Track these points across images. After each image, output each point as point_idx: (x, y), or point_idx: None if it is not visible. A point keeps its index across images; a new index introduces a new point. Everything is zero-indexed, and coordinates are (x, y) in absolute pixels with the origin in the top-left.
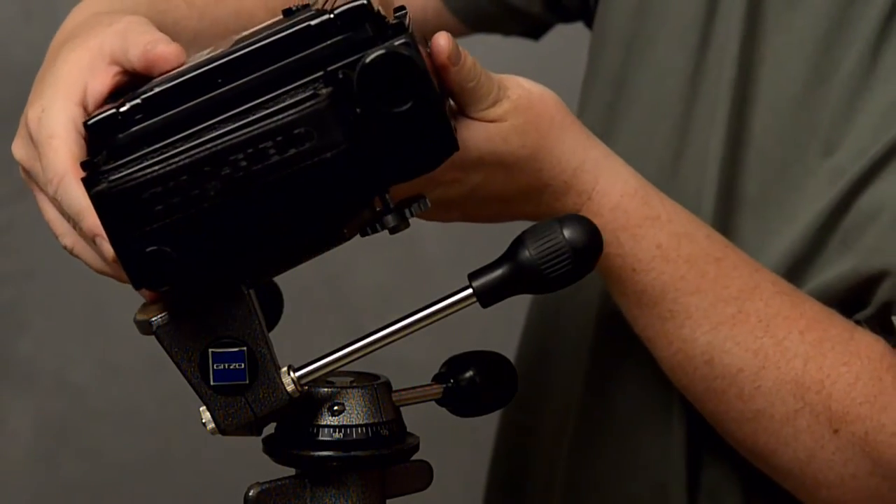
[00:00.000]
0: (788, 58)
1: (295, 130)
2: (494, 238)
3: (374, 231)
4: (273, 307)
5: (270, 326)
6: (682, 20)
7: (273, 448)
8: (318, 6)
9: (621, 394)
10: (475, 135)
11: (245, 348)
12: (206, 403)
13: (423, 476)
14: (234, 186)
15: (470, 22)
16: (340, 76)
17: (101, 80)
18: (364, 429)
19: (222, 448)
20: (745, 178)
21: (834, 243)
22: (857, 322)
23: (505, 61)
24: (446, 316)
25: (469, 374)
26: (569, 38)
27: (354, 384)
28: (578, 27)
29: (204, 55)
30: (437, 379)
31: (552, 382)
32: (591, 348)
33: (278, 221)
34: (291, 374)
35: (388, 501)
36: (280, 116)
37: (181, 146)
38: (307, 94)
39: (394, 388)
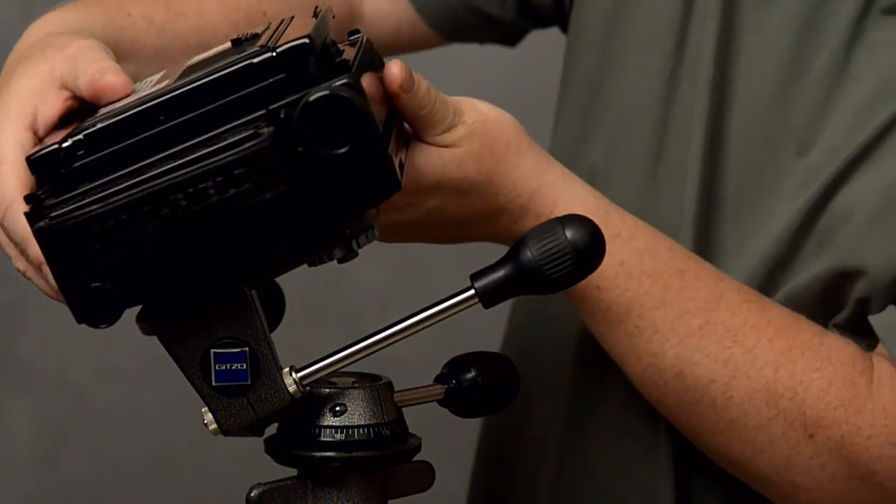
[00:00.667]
0: (762, 57)
1: (235, 171)
2: None
3: (322, 262)
4: (275, 308)
5: (272, 327)
6: (657, 23)
7: (275, 449)
8: (266, 37)
9: (606, 402)
10: (430, 160)
11: (247, 349)
12: (207, 404)
13: (424, 477)
14: (174, 226)
15: (446, 32)
16: (282, 115)
17: (52, 105)
18: (366, 429)
19: (223, 448)
20: (723, 180)
21: (810, 245)
22: (832, 326)
23: (489, 70)
24: (448, 317)
25: (471, 374)
26: (555, 45)
27: (356, 385)
28: (556, 33)
29: (152, 83)
30: (439, 380)
31: (534, 392)
32: (574, 358)
33: (221, 259)
34: (293, 374)
35: (390, 502)
36: (220, 156)
37: (122, 184)
38: (248, 133)
39: (396, 389)
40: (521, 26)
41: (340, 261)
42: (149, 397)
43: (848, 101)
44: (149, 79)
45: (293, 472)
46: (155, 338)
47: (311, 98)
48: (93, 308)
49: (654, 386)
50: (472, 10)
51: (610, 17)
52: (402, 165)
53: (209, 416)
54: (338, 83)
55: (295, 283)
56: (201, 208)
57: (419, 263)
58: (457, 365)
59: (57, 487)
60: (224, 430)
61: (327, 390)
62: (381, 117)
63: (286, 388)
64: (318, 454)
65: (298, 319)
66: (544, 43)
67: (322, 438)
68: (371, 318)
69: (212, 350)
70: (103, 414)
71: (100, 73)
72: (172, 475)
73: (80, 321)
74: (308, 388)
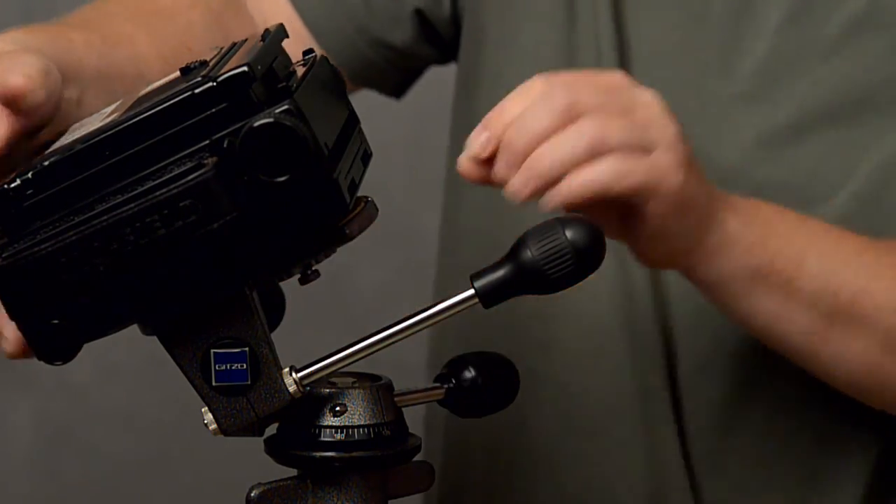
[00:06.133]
0: (661, 8)
1: (180, 203)
2: None
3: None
4: (275, 308)
5: (272, 327)
6: (545, 5)
7: (275, 448)
8: (212, 65)
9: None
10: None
11: (247, 349)
12: (207, 404)
13: (424, 477)
14: (123, 261)
15: (353, 72)
16: (226, 144)
17: None
18: (366, 429)
19: (223, 448)
20: None
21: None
22: None
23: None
24: (449, 317)
25: (471, 374)
26: None
27: (356, 385)
28: None
29: (105, 115)
30: (439, 380)
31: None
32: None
33: (176, 289)
34: (293, 374)
35: (390, 502)
36: (164, 189)
37: (71, 221)
38: (192, 164)
39: (396, 389)
40: (420, 57)
41: (302, 281)
42: (149, 397)
43: (761, 23)
44: (103, 110)
45: (293, 472)
46: (155, 338)
47: (251, 126)
48: (53, 345)
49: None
50: (374, 42)
51: (500, 8)
52: (353, 184)
53: (209, 416)
54: (278, 110)
55: (295, 283)
56: (150, 241)
57: (419, 263)
58: (457, 365)
59: (57, 487)
60: (224, 430)
61: (327, 390)
62: (335, 130)
63: (286, 388)
64: (318, 454)
65: (298, 319)
66: None
67: (322, 438)
68: (372, 317)
69: (212, 350)
70: (103, 414)
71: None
72: (172, 475)
73: (40, 358)
74: (308, 387)
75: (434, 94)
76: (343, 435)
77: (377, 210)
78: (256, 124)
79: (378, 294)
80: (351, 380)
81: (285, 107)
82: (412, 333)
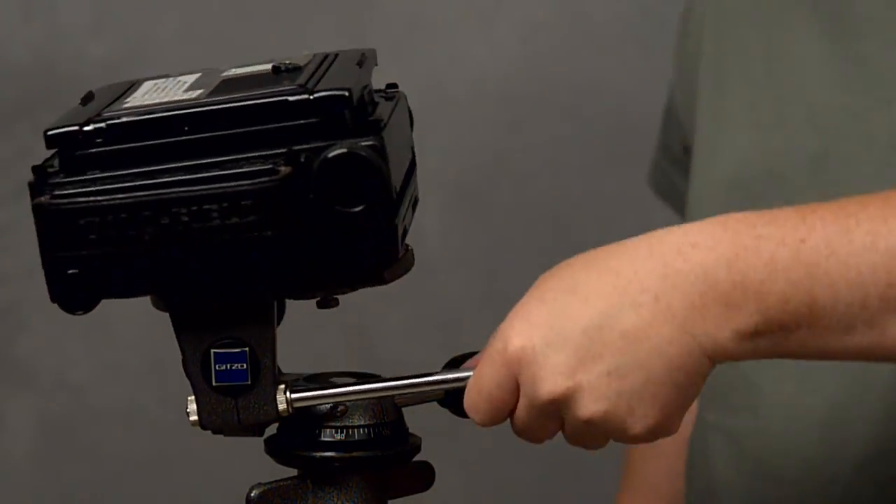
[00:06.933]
0: None
1: (242, 201)
2: (496, 235)
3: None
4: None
5: None
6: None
7: (275, 448)
8: (307, 74)
9: None
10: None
11: (247, 349)
12: (196, 394)
13: (424, 477)
14: (168, 237)
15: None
16: (302, 159)
17: None
18: (366, 430)
19: (223, 448)
20: None
21: None
22: None
23: (490, 69)
24: (453, 387)
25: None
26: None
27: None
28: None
29: (185, 85)
30: None
31: None
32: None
33: (207, 279)
34: (287, 394)
35: (389, 502)
36: (231, 183)
37: (128, 182)
38: (265, 167)
39: None
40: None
41: (320, 305)
42: (149, 397)
43: None
44: (181, 77)
45: (293, 472)
46: (155, 337)
47: (334, 152)
48: (68, 293)
49: None
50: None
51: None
52: (405, 232)
53: (193, 407)
54: (364, 143)
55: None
56: (200, 228)
57: (420, 262)
58: (457, 365)
59: (57, 487)
60: (203, 424)
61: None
62: (402, 173)
63: (276, 405)
64: (318, 454)
65: (297, 318)
66: (545, 42)
67: (322, 438)
68: (371, 317)
69: (212, 350)
70: (103, 414)
71: None
72: (172, 475)
73: (53, 300)
74: (295, 409)
75: (435, 94)
76: (343, 435)
77: (414, 260)
78: (340, 151)
79: (377, 294)
80: (351, 380)
81: (373, 142)
82: (419, 390)
